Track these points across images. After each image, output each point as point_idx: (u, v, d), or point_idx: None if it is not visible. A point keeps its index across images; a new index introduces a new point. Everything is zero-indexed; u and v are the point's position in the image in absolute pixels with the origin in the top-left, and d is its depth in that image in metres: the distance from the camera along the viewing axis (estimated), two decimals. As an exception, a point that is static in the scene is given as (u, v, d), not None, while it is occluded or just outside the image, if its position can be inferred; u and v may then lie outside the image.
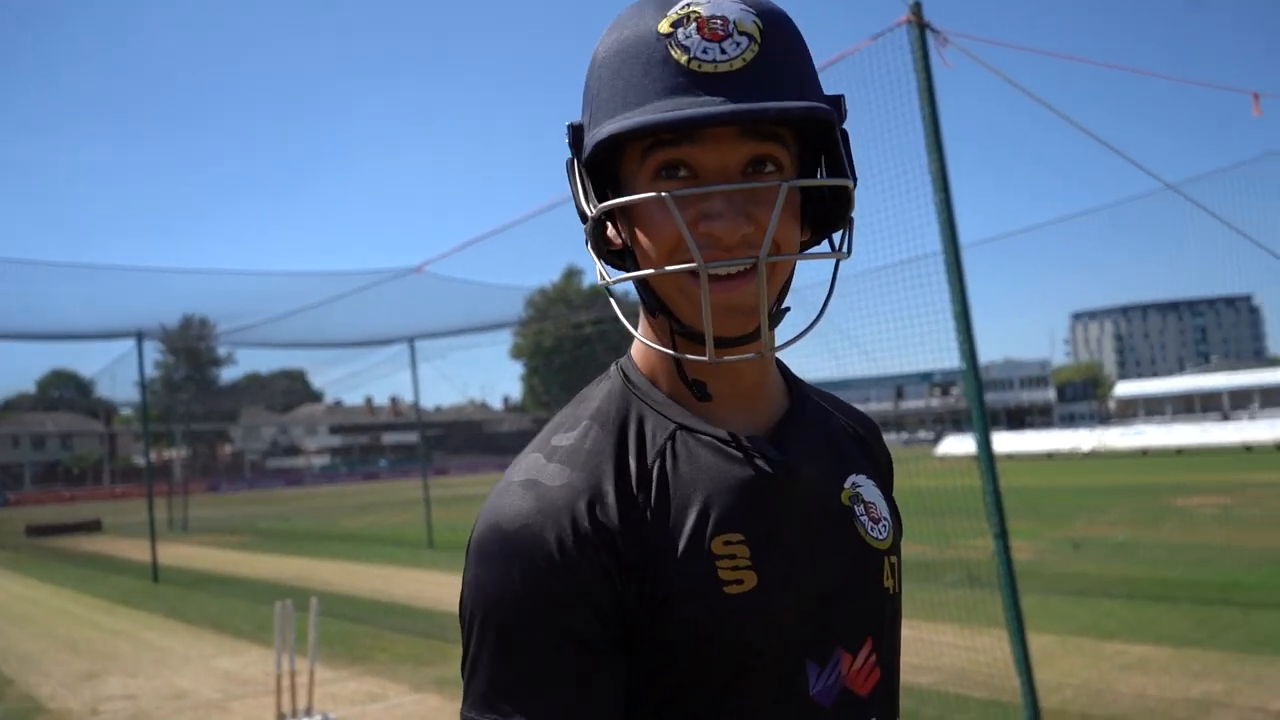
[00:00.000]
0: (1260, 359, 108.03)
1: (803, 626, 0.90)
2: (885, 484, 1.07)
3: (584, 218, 0.92)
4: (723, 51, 0.85)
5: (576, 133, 0.92)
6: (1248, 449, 33.68)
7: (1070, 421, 74.46)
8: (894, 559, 1.00)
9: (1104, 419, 72.40)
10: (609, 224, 0.95)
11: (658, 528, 0.87)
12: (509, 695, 0.82)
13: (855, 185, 0.91)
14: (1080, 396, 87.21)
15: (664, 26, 0.86)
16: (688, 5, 0.86)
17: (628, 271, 0.92)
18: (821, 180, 0.90)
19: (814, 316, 0.95)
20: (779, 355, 0.97)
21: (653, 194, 0.85)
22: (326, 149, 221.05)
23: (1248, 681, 5.62)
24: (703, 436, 0.93)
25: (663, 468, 0.91)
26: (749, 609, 0.87)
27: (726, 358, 0.88)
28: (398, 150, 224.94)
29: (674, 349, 0.91)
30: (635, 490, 0.89)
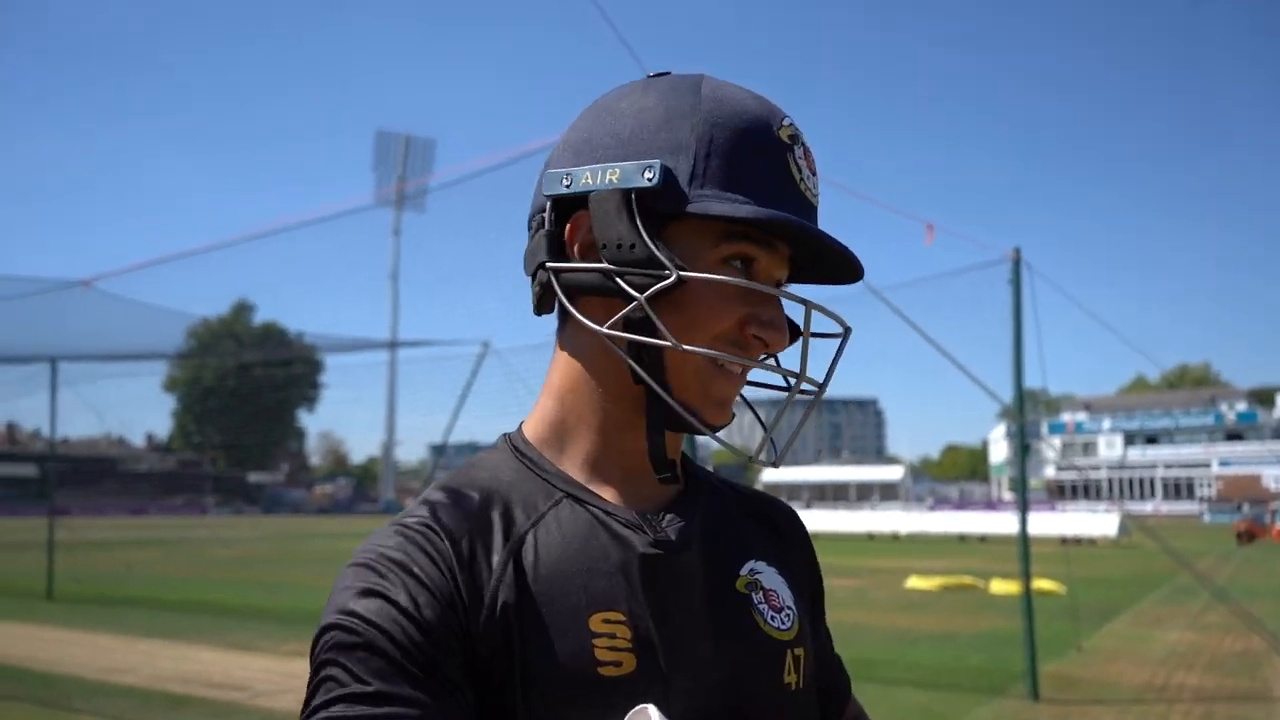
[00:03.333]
0: (881, 457, 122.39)
1: None
2: (798, 575, 1.01)
3: (633, 262, 0.84)
4: (814, 187, 0.91)
5: (667, 176, 0.84)
6: (870, 537, 37.74)
7: (722, 501, 79.55)
8: (798, 651, 0.93)
9: (751, 501, 78.12)
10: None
11: (528, 594, 0.83)
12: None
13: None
14: (733, 479, 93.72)
15: (784, 135, 0.89)
16: (790, 124, 0.90)
17: (618, 327, 0.85)
18: (837, 329, 0.93)
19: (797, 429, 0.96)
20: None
21: (773, 290, 0.85)
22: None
23: (894, 754, 6.14)
24: (590, 507, 0.89)
25: (540, 534, 0.86)
26: (626, 694, 0.80)
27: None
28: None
29: (650, 420, 0.89)
30: (502, 548, 0.84)
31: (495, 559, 0.84)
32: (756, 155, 0.87)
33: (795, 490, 79.08)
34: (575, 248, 0.88)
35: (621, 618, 0.84)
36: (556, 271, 0.88)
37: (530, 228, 0.93)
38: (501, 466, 0.92)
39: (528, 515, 0.88)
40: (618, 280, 0.84)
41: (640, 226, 0.83)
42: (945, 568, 20.67)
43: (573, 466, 0.92)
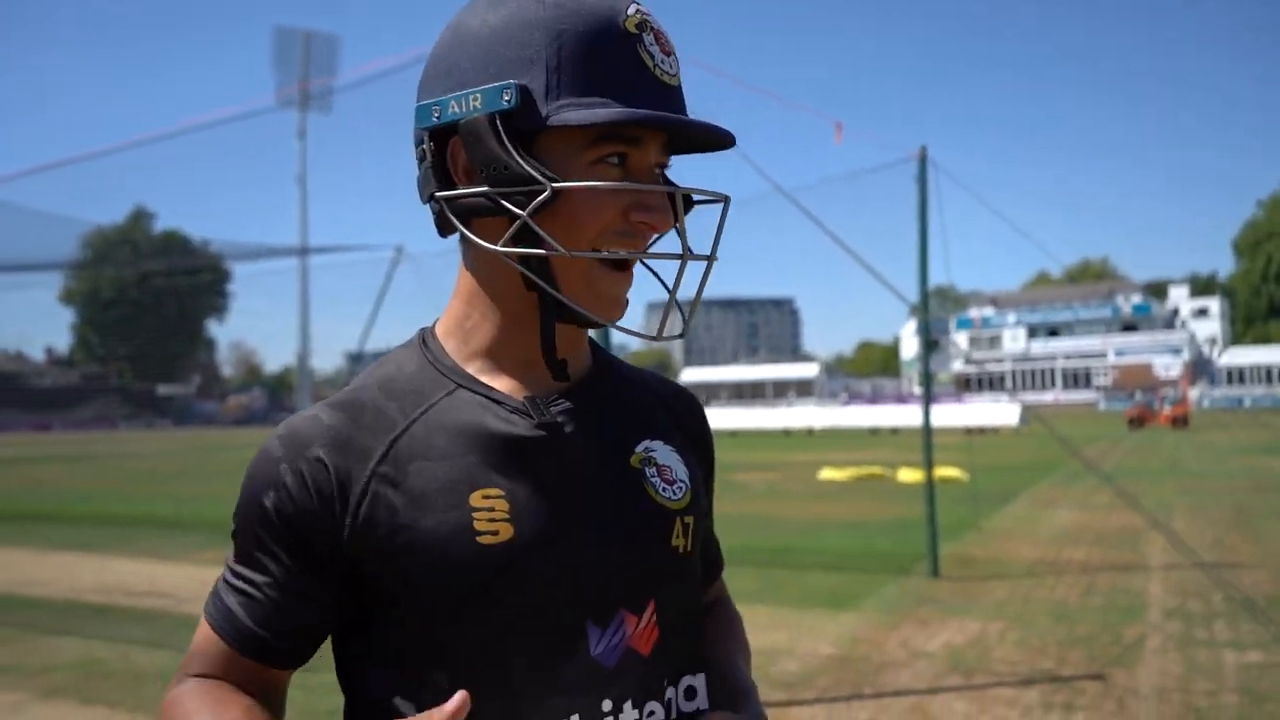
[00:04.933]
0: (796, 354, 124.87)
1: (576, 587, 0.93)
2: (693, 456, 1.11)
3: (511, 181, 0.89)
4: (670, 67, 0.95)
5: (524, 93, 0.89)
6: (786, 433, 38.80)
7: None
8: (688, 519, 1.03)
9: (671, 401, 78.80)
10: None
11: (412, 476, 0.92)
12: (230, 574, 0.97)
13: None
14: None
15: (630, 26, 0.92)
16: (639, 10, 0.93)
17: (501, 236, 0.93)
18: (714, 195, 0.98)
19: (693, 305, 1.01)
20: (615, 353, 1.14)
21: (659, 188, 0.92)
22: None
23: (804, 631, 6.50)
24: (480, 396, 0.97)
25: (429, 421, 0.95)
26: (502, 559, 0.91)
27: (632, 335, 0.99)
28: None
29: (542, 323, 0.97)
30: (385, 435, 0.94)
31: (378, 450, 0.93)
32: (605, 53, 0.90)
33: (714, 389, 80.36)
34: (460, 173, 0.93)
35: (500, 493, 0.93)
36: (446, 200, 0.94)
37: (416, 157, 0.97)
38: (407, 359, 1.02)
39: (417, 404, 0.97)
40: (501, 201, 0.90)
41: (510, 147, 0.89)
42: (857, 459, 21.43)
43: (472, 359, 1.00)
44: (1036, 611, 6.95)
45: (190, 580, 8.74)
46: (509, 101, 0.88)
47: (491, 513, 0.91)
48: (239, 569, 0.96)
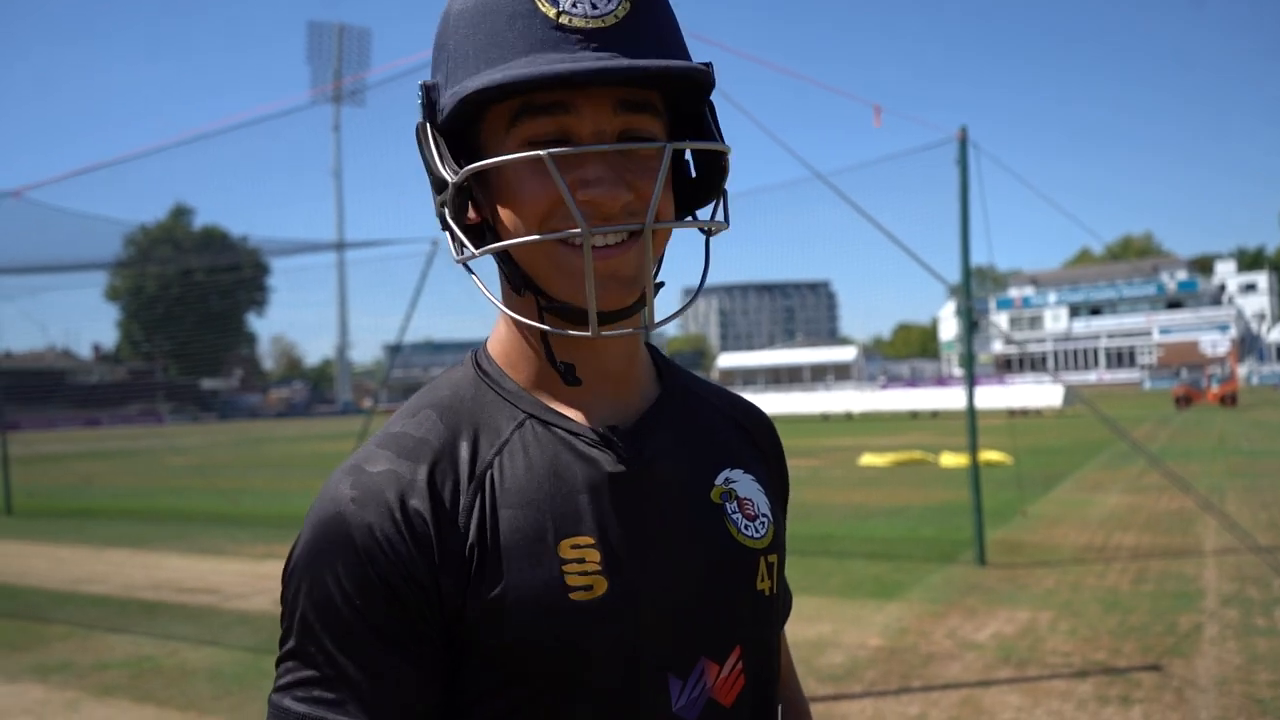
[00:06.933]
0: (834, 338, 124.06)
1: (661, 637, 0.86)
2: (771, 479, 1.03)
3: (440, 186, 0.84)
4: (594, 6, 0.79)
5: (430, 93, 0.85)
6: (825, 417, 38.54)
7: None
8: (772, 558, 0.95)
9: (708, 387, 78.53)
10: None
11: (494, 525, 0.82)
12: (305, 682, 0.79)
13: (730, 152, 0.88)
14: (689, 366, 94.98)
15: None
16: None
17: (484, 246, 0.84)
18: (707, 144, 0.85)
19: (694, 291, 0.91)
20: (652, 341, 0.98)
21: (530, 154, 0.78)
22: None
23: (849, 622, 6.44)
24: (555, 429, 0.88)
25: (506, 462, 0.86)
26: (597, 617, 0.83)
27: (609, 332, 0.82)
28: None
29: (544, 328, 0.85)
30: (468, 483, 0.84)
31: (462, 499, 0.83)
32: (494, 19, 0.80)
33: (751, 374, 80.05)
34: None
35: (590, 541, 0.84)
36: (440, 207, 0.87)
37: None
38: (464, 385, 0.91)
39: (491, 442, 0.86)
40: (444, 208, 0.85)
41: (432, 148, 0.84)
42: (897, 444, 21.23)
43: (534, 382, 0.91)
44: (1087, 600, 6.83)
45: (240, 575, 8.85)
46: (421, 104, 0.85)
47: (583, 565, 0.83)
48: (325, 671, 0.79)
